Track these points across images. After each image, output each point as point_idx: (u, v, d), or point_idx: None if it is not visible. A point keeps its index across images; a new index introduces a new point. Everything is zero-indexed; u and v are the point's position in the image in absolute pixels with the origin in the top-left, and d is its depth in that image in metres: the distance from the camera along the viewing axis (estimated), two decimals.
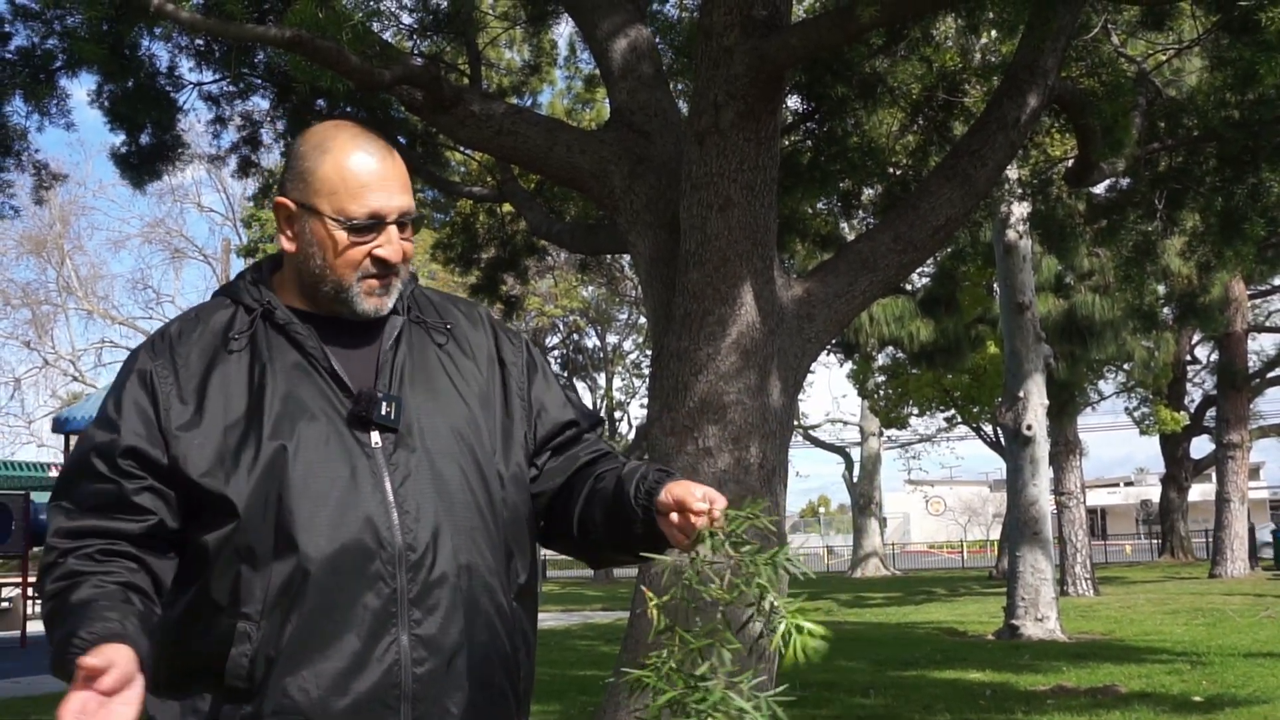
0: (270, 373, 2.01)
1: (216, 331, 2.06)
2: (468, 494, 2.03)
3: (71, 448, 1.89)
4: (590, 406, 2.36)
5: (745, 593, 1.78)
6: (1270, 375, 31.17)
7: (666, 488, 1.97)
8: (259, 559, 1.91)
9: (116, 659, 1.73)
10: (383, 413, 1.99)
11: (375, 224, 2.04)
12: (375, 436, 2.00)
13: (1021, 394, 16.03)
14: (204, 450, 1.96)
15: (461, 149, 10.37)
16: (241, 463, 1.95)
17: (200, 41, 7.83)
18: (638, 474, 2.07)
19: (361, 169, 2.05)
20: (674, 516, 1.94)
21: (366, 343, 2.10)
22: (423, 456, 2.01)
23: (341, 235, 2.03)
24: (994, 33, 8.38)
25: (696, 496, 1.92)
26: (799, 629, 1.74)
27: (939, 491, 75.02)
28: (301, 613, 1.89)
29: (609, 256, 23.44)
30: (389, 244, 2.05)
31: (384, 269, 2.06)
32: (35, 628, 21.65)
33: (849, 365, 30.56)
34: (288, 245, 2.09)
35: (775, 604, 1.77)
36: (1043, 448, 16.28)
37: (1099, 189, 9.73)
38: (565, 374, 43.58)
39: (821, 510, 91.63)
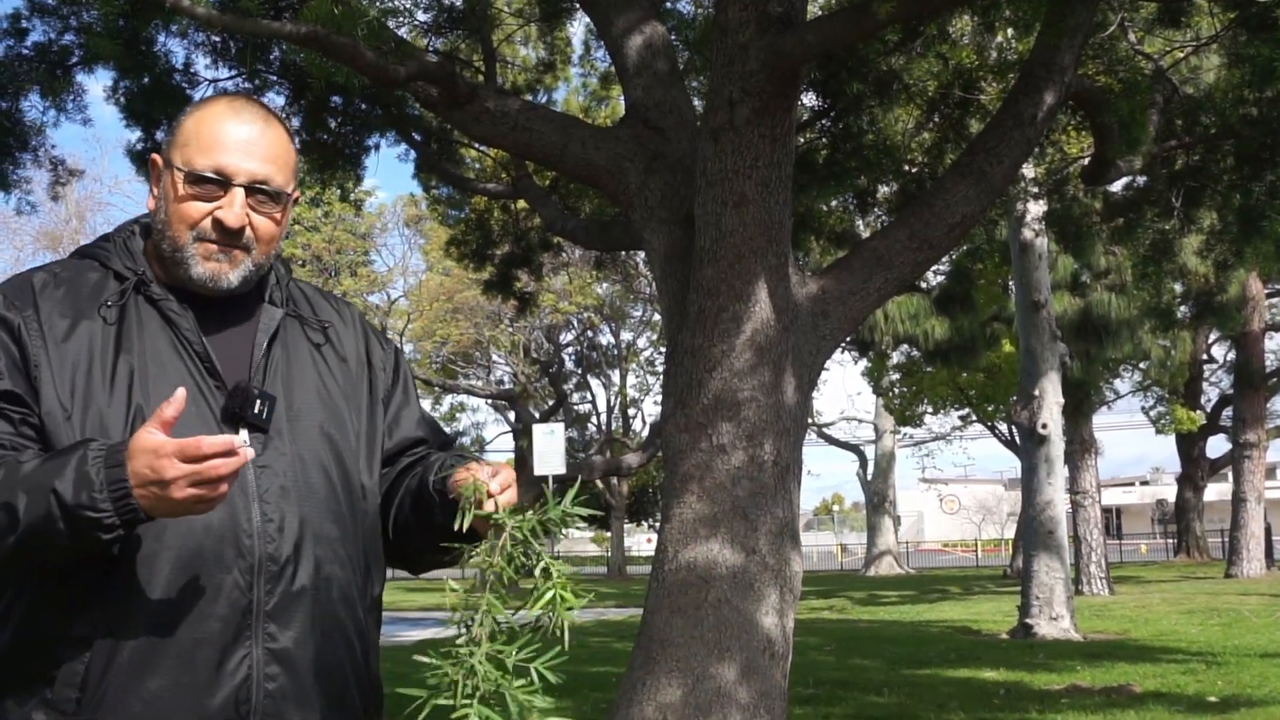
0: (140, 351, 1.86)
1: (83, 295, 1.89)
2: (334, 503, 1.92)
3: None
4: (446, 428, 2.25)
5: (523, 561, 1.70)
6: None
7: (457, 471, 1.87)
8: (103, 556, 1.73)
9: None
10: (255, 410, 1.85)
11: (219, 182, 1.90)
12: (244, 435, 1.84)
13: (1037, 392, 15.98)
14: (65, 430, 1.78)
15: (476, 145, 10.38)
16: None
17: (216, 37, 7.85)
18: (437, 463, 1.99)
19: (221, 128, 1.92)
20: (451, 491, 1.84)
21: (240, 332, 1.96)
22: (293, 461, 1.89)
23: (182, 186, 1.90)
24: (1010, 30, 8.35)
25: (483, 469, 1.82)
26: (561, 589, 1.65)
27: (953, 490, 74.87)
28: (148, 620, 1.74)
29: (624, 253, 23.43)
30: (230, 208, 1.90)
31: (223, 235, 1.90)
32: None
33: (863, 363, 30.53)
34: (151, 202, 1.97)
35: (546, 568, 1.68)
36: (1058, 446, 16.23)
37: (1115, 187, 9.70)
38: (580, 370, 43.59)
39: (835, 508, 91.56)
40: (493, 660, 1.61)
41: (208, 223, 1.90)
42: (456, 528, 1.76)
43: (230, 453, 1.62)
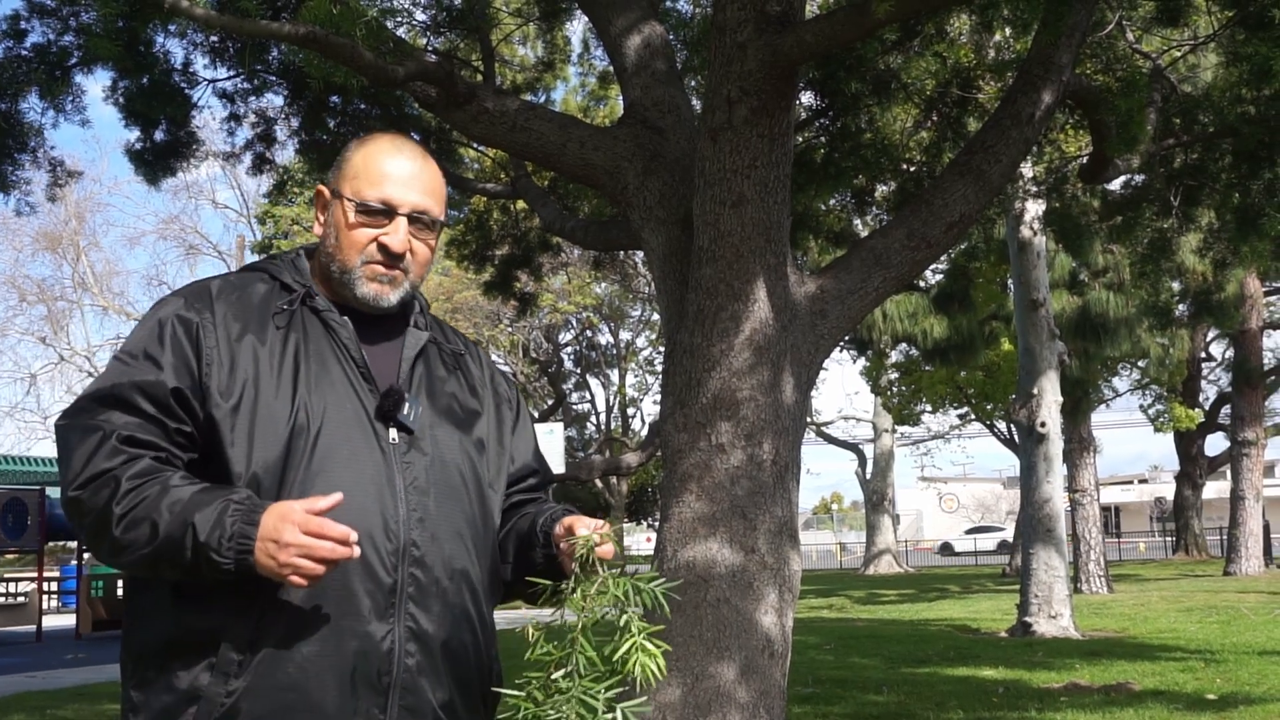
0: (304, 354, 2.07)
1: (255, 302, 2.12)
2: (466, 506, 2.13)
3: (101, 373, 2.09)
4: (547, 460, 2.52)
5: (608, 610, 1.92)
6: None
7: (562, 520, 2.09)
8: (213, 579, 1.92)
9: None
10: (404, 412, 2.07)
11: (386, 211, 2.14)
12: (393, 433, 2.07)
13: (1035, 391, 15.99)
14: (232, 418, 2.00)
15: (475, 146, 10.38)
16: (265, 436, 2.00)
17: (214, 38, 7.85)
18: (548, 510, 2.21)
19: (387, 162, 2.16)
20: (565, 545, 2.05)
21: (388, 347, 2.18)
22: (433, 463, 2.10)
23: (352, 215, 2.14)
24: (1008, 29, 8.35)
25: (584, 524, 2.04)
26: (642, 649, 1.86)
27: (952, 488, 74.92)
28: (304, 594, 1.92)
29: (622, 253, 23.44)
30: (396, 234, 2.14)
31: (388, 257, 2.15)
32: (50, 622, 21.73)
33: (862, 362, 30.56)
34: (317, 229, 2.21)
35: (628, 623, 1.89)
36: (1056, 445, 16.24)
37: (1114, 185, 9.71)
38: (579, 370, 43.60)
39: (834, 507, 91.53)
40: (582, 695, 1.84)
41: (374, 247, 2.15)
42: (571, 572, 2.00)
43: (345, 542, 1.85)
